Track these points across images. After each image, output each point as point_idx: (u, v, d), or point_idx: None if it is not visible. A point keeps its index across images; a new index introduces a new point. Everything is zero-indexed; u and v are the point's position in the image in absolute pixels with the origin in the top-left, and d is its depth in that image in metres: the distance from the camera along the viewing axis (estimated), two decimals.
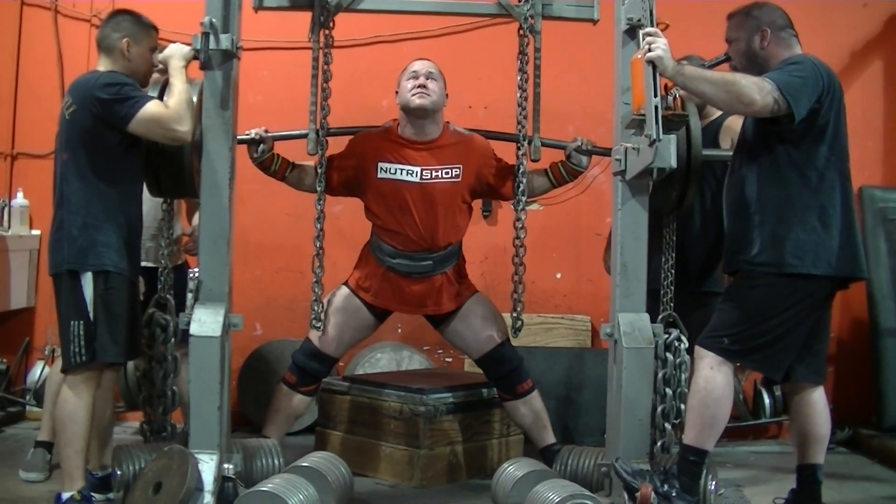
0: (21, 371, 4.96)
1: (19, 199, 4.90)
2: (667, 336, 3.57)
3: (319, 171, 3.65)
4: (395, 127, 3.85)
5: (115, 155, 3.20)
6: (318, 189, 3.65)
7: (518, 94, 3.65)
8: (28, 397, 4.79)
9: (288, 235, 4.98)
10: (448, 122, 3.88)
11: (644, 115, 2.94)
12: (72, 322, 3.15)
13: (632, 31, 3.25)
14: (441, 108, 3.82)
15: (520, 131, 3.66)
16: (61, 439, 3.19)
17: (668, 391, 3.53)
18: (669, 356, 3.55)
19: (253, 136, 3.69)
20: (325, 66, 3.61)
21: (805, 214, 3.09)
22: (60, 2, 5.05)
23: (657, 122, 2.88)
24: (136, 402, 3.71)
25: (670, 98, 3.10)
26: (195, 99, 3.27)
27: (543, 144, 3.76)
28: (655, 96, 2.90)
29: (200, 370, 3.14)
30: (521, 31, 3.65)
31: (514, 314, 3.70)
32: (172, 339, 3.52)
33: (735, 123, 3.84)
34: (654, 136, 2.88)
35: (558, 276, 5.09)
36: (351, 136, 3.89)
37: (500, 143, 3.91)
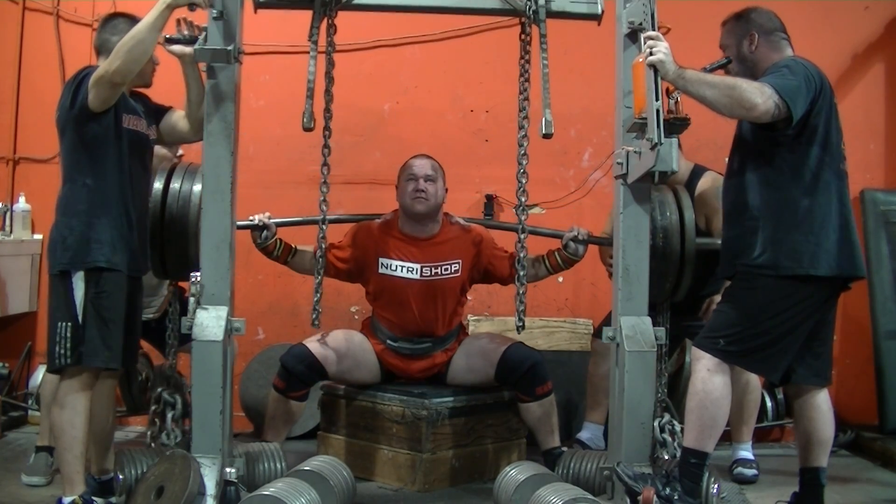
0: (23, 375, 4.96)
1: (21, 204, 4.91)
2: (660, 420, 3.59)
3: (323, 170, 3.64)
4: (396, 220, 3.96)
5: (98, 149, 3.18)
6: (323, 191, 3.65)
7: (519, 98, 3.65)
8: (30, 402, 4.79)
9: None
10: (447, 215, 4.01)
11: (646, 118, 2.94)
12: (59, 323, 3.13)
13: (633, 35, 3.26)
14: (440, 207, 3.94)
15: (520, 132, 3.64)
16: (60, 444, 3.19)
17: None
18: (668, 438, 3.56)
19: (256, 222, 3.75)
20: (328, 69, 3.60)
21: (801, 216, 3.10)
22: (62, 6, 5.07)
23: (659, 126, 2.87)
24: (138, 407, 3.74)
25: (672, 102, 3.10)
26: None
27: (539, 234, 3.90)
28: (657, 100, 2.90)
29: (203, 374, 3.13)
30: (523, 36, 3.65)
31: (516, 315, 3.70)
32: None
33: (708, 194, 3.91)
34: (656, 140, 2.88)
35: (560, 279, 5.08)
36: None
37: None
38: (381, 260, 3.88)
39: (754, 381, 4.05)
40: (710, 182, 4.07)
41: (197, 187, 3.53)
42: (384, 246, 3.89)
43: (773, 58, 3.22)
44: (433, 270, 3.89)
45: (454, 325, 4.01)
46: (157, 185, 3.53)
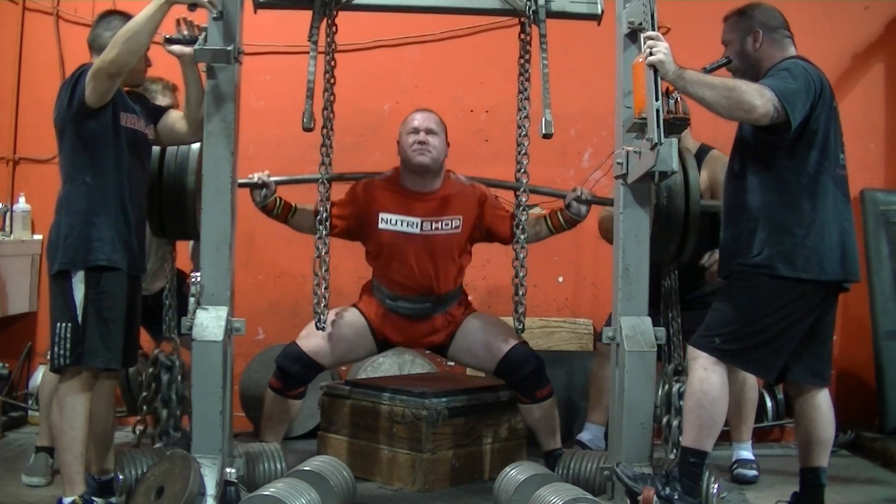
0: (23, 376, 4.96)
1: (21, 204, 4.91)
2: (677, 385, 3.59)
3: (323, 171, 3.64)
4: (397, 176, 3.90)
5: (97, 147, 3.17)
6: (321, 189, 3.65)
7: (519, 97, 3.65)
8: (30, 402, 4.79)
9: (290, 240, 4.98)
10: (450, 172, 3.94)
11: (645, 118, 2.94)
12: (58, 324, 3.13)
13: (633, 35, 3.26)
14: (442, 161, 3.87)
15: (520, 131, 3.65)
16: (60, 445, 3.19)
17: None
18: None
19: (255, 180, 3.72)
20: (328, 68, 3.60)
21: (797, 219, 3.10)
22: (62, 6, 5.07)
23: (658, 126, 2.88)
24: (138, 407, 3.74)
25: (672, 102, 3.11)
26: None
27: (542, 193, 3.83)
28: (657, 100, 2.90)
29: (203, 374, 3.14)
30: (523, 36, 3.65)
31: (516, 316, 3.70)
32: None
33: (715, 170, 3.91)
34: (656, 140, 2.88)
35: (560, 279, 5.09)
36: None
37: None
38: (381, 215, 3.81)
39: (751, 379, 4.05)
40: (716, 158, 4.06)
41: (195, 146, 3.53)
42: (384, 201, 3.83)
43: (776, 56, 3.22)
44: (434, 225, 3.81)
45: (455, 285, 3.93)
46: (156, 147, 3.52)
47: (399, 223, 3.80)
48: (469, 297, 4.09)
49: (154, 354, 3.68)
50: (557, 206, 3.92)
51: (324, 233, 3.64)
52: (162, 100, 3.89)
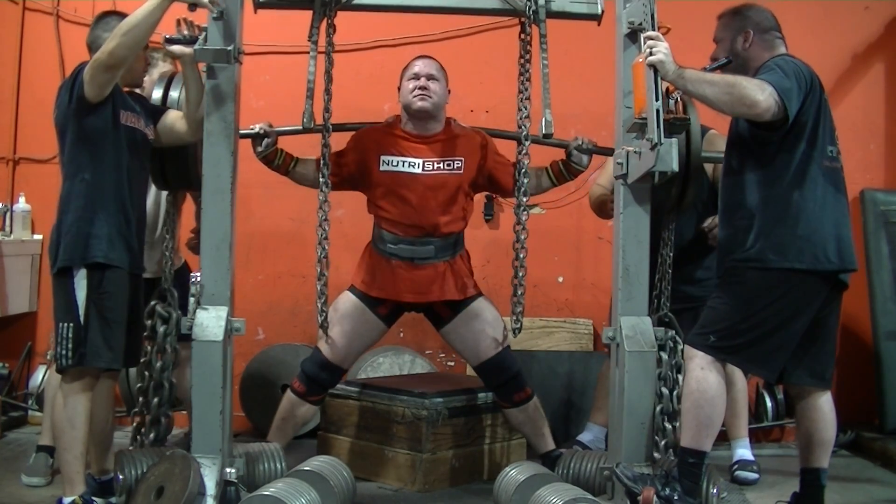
0: (23, 375, 4.97)
1: (21, 204, 4.91)
2: (662, 335, 3.55)
3: (324, 171, 3.63)
4: (398, 121, 3.87)
5: (97, 144, 3.18)
6: (323, 188, 3.64)
7: (519, 97, 3.65)
8: (30, 402, 4.80)
9: (290, 240, 4.99)
10: (451, 118, 3.90)
11: (646, 118, 2.94)
12: (61, 324, 3.14)
13: (633, 35, 3.26)
14: (443, 107, 3.83)
15: (521, 132, 3.66)
16: (60, 444, 3.19)
17: (666, 391, 3.50)
18: (664, 356, 3.50)
19: (257, 130, 3.69)
20: (328, 68, 3.60)
21: (787, 211, 3.10)
22: (62, 6, 5.07)
23: (659, 126, 2.88)
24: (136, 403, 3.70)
25: (672, 102, 3.10)
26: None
27: (542, 143, 3.76)
28: (657, 100, 2.90)
29: (203, 374, 3.14)
30: (523, 36, 3.65)
31: (515, 316, 3.70)
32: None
33: (716, 140, 3.90)
34: (656, 140, 2.88)
35: (560, 279, 5.09)
36: (353, 132, 3.90)
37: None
38: (382, 157, 3.78)
39: (739, 373, 4.03)
40: (715, 137, 4.05)
41: None
42: (386, 144, 3.80)
43: (765, 57, 3.23)
44: (435, 165, 3.77)
45: (457, 228, 3.86)
46: (157, 94, 3.51)
47: (400, 164, 3.76)
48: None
49: (151, 305, 3.52)
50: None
51: (325, 189, 3.62)
52: (162, 66, 3.86)
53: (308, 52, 3.44)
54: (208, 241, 3.24)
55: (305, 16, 3.52)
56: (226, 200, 3.23)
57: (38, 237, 4.91)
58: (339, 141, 3.79)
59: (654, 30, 3.11)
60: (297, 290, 4.95)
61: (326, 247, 3.66)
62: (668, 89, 3.06)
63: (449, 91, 3.86)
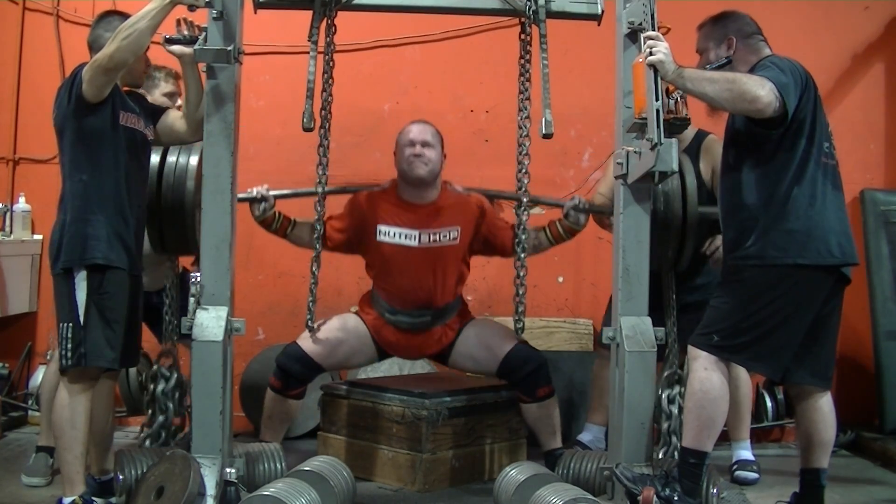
0: (23, 376, 4.97)
1: (21, 204, 4.91)
2: (669, 391, 3.60)
3: (320, 173, 3.64)
4: (394, 188, 3.91)
5: (96, 144, 3.17)
6: (319, 190, 3.65)
7: (519, 97, 3.65)
8: (30, 402, 4.79)
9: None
10: (447, 182, 3.94)
11: (646, 118, 2.94)
12: (61, 324, 3.14)
13: (633, 35, 3.26)
14: (438, 173, 3.87)
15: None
16: (60, 444, 3.19)
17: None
18: (673, 410, 3.56)
19: (255, 194, 3.73)
20: (327, 68, 3.60)
21: (788, 208, 3.09)
22: (62, 6, 5.06)
23: (659, 126, 2.87)
24: (138, 407, 3.72)
25: (672, 102, 3.10)
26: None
27: (540, 203, 3.84)
28: (657, 100, 2.90)
29: (203, 375, 3.13)
30: (523, 36, 3.65)
31: (516, 316, 3.70)
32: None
33: (714, 146, 3.89)
34: (656, 140, 2.88)
35: (560, 279, 5.09)
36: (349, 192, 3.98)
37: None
38: (378, 227, 3.83)
39: (744, 376, 4.04)
40: (716, 138, 4.05)
41: (193, 160, 3.53)
42: (382, 213, 3.84)
43: (752, 61, 3.23)
44: (432, 237, 3.82)
45: (454, 297, 3.94)
46: (154, 158, 3.52)
47: (397, 235, 3.82)
48: (469, 299, 4.09)
49: (154, 370, 3.64)
50: (557, 215, 3.92)
51: (319, 236, 3.69)
52: (164, 86, 3.88)
53: (308, 52, 3.44)
54: (208, 241, 3.23)
55: (305, 16, 3.52)
56: (226, 200, 3.23)
57: (38, 237, 4.90)
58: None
59: (654, 30, 3.11)
60: (297, 290, 4.94)
61: (318, 246, 3.67)
62: (668, 89, 3.06)
63: (444, 156, 3.90)
